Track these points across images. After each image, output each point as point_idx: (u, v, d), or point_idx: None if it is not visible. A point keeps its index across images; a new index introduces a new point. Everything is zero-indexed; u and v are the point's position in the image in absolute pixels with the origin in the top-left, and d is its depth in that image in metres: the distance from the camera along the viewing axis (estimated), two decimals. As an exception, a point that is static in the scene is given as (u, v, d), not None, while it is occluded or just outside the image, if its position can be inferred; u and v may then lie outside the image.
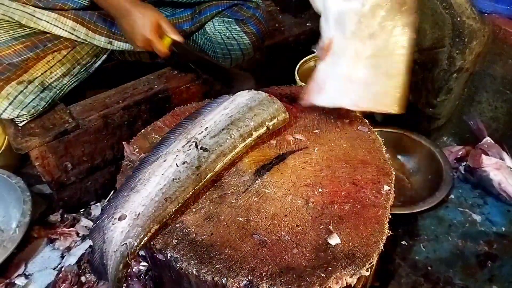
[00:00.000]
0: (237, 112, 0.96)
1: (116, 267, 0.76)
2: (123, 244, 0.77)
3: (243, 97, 1.00)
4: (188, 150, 0.89)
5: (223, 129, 0.93)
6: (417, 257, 1.25)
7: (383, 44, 0.92)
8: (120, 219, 0.81)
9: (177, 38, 1.13)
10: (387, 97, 0.94)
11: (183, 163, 0.87)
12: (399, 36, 0.92)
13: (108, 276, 0.78)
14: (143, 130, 1.06)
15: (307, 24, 1.73)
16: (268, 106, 0.98)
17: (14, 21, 1.14)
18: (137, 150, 1.00)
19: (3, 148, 1.42)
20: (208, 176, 0.88)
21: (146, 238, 0.78)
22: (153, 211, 0.81)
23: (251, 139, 0.94)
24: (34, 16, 1.15)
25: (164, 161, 0.89)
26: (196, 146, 0.90)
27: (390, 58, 0.93)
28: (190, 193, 0.85)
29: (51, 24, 1.16)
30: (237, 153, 0.93)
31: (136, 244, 0.77)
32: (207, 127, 0.94)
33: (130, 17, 1.08)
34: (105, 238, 0.80)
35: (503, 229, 1.31)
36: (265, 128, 0.96)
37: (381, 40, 0.92)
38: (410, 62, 0.94)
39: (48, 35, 1.18)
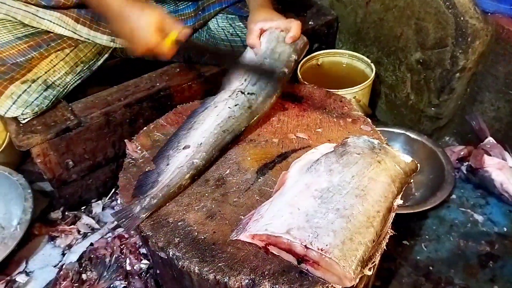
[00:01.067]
0: (264, 59, 1.07)
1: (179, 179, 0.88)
2: (188, 162, 0.89)
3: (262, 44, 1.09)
4: (236, 97, 1.01)
5: (259, 78, 1.04)
6: (418, 257, 1.25)
7: (339, 181, 0.79)
8: (184, 148, 0.93)
9: (184, 30, 0.98)
10: (330, 235, 0.71)
11: (235, 105, 0.99)
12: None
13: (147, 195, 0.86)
14: (145, 128, 1.06)
15: (310, 23, 1.73)
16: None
17: (17, 20, 1.13)
18: (139, 148, 1.00)
19: (4, 145, 1.42)
20: (259, 115, 1.01)
21: (210, 161, 0.92)
22: (213, 140, 0.93)
23: (286, 76, 1.07)
24: (37, 16, 1.14)
25: (216, 107, 1.00)
26: (243, 93, 1.02)
27: (346, 197, 0.77)
28: (244, 128, 0.99)
29: (53, 23, 1.16)
30: (278, 93, 1.05)
31: (202, 164, 0.90)
32: (246, 79, 1.05)
33: (125, 21, 0.93)
34: (169, 161, 0.91)
35: (505, 229, 1.31)
36: (293, 62, 1.09)
37: (339, 178, 0.79)
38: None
39: (51, 34, 1.18)
